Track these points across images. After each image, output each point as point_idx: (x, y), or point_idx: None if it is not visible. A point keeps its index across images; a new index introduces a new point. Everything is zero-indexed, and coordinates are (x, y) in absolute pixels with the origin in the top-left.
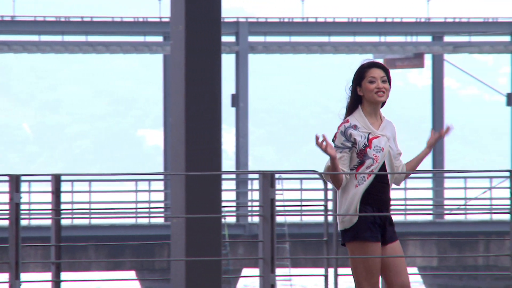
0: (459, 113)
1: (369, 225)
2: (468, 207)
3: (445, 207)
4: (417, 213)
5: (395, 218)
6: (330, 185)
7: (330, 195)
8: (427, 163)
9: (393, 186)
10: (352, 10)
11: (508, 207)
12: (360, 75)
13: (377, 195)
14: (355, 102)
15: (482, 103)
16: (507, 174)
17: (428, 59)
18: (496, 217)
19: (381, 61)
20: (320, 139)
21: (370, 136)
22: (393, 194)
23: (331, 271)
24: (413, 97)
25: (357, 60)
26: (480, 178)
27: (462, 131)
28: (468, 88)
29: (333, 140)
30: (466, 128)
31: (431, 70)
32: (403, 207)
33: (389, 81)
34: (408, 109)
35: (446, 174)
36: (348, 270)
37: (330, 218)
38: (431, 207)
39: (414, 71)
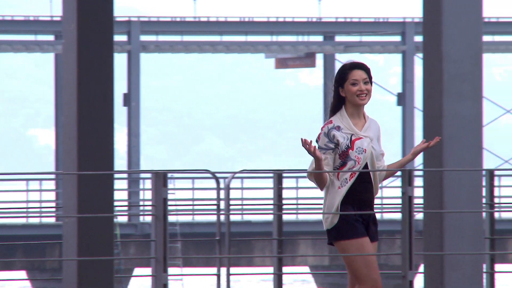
0: None
1: (352, 223)
2: None
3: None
4: (308, 213)
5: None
6: (222, 184)
7: (222, 194)
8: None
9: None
10: (243, 10)
11: (399, 206)
12: (342, 76)
13: (358, 195)
14: (338, 102)
15: (373, 103)
16: (398, 173)
17: (319, 58)
18: (386, 216)
19: (272, 60)
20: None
21: (353, 138)
22: (285, 193)
23: (223, 270)
24: (304, 96)
25: (249, 59)
26: None
27: None
28: None
29: (317, 141)
30: None
31: (322, 69)
32: (294, 206)
33: (371, 80)
34: (299, 109)
35: None
36: (240, 270)
37: (222, 218)
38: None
39: (306, 71)
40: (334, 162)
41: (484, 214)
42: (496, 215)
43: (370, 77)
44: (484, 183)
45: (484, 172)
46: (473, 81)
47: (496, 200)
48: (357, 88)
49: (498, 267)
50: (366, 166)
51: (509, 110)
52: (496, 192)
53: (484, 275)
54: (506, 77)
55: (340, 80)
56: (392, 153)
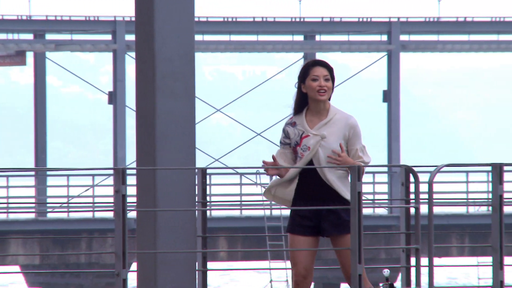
0: (62, 111)
1: (294, 218)
2: (71, 205)
3: (48, 205)
4: (19, 211)
5: None
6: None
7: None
8: (31, 162)
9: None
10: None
11: (112, 204)
12: (305, 72)
13: (307, 190)
14: (301, 98)
15: (85, 101)
16: (110, 172)
17: (30, 56)
18: (98, 215)
19: None
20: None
21: (303, 135)
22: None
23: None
24: (16, 94)
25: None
26: (83, 176)
27: (65, 129)
28: (70, 86)
29: None
30: (69, 126)
31: (33, 68)
32: (5, 205)
33: (333, 79)
34: (11, 108)
35: (48, 172)
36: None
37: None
38: (33, 205)
39: (16, 69)
40: (293, 157)
41: (196, 212)
42: (208, 213)
43: (332, 75)
44: (196, 182)
45: (196, 171)
46: (185, 80)
47: (208, 198)
48: (317, 83)
49: (210, 265)
50: (311, 163)
51: (219, 109)
52: (208, 190)
53: (197, 273)
54: (216, 76)
55: (302, 76)
56: (102, 152)
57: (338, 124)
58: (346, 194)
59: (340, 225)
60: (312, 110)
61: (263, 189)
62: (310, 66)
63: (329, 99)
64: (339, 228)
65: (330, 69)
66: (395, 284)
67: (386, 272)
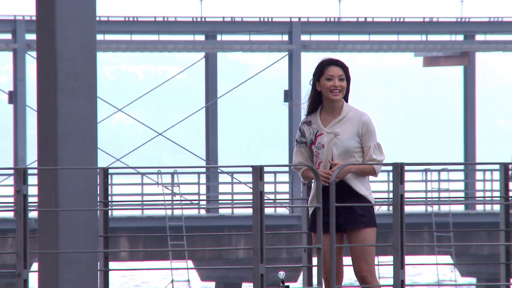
0: None
1: (315, 217)
2: None
3: None
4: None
5: None
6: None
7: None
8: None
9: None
10: None
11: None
12: (320, 71)
13: (324, 188)
14: (315, 96)
15: None
16: (11, 171)
17: None
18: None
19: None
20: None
21: (318, 133)
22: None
23: None
24: None
25: None
26: None
27: None
28: None
29: None
30: None
31: None
32: None
33: (348, 79)
34: None
35: None
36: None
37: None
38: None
39: None
40: (310, 155)
41: (98, 212)
42: (109, 213)
43: (347, 75)
44: (98, 182)
45: (98, 171)
46: (87, 80)
47: (109, 198)
48: (331, 83)
49: (111, 265)
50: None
51: (120, 109)
52: (110, 190)
53: (99, 273)
54: (117, 76)
55: (317, 74)
56: (3, 151)
57: (351, 122)
58: (362, 190)
59: (355, 220)
60: (327, 109)
61: (165, 189)
62: (325, 65)
63: (346, 99)
64: (355, 223)
65: (345, 69)
66: (296, 284)
67: (282, 274)
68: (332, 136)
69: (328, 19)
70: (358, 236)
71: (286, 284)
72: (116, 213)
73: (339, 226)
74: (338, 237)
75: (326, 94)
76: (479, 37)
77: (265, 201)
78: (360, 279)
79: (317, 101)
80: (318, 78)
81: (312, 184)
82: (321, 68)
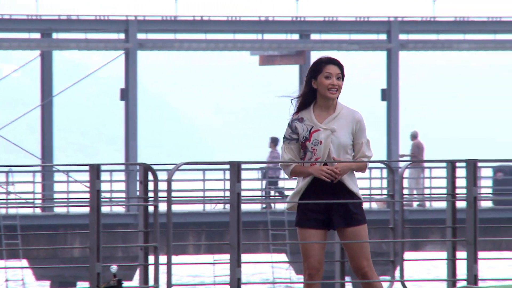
0: None
1: (304, 212)
2: None
3: None
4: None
5: None
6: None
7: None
8: None
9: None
10: None
11: None
12: (317, 69)
13: (320, 184)
14: (309, 93)
15: None
16: None
17: None
18: None
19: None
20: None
21: (312, 130)
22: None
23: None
24: None
25: None
26: None
27: None
28: None
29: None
30: None
31: None
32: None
33: (343, 77)
34: None
35: None
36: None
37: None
38: None
39: None
40: (300, 152)
41: None
42: None
43: (343, 74)
44: None
45: None
46: None
47: None
48: (329, 82)
49: None
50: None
51: None
52: None
53: None
54: None
55: (314, 72)
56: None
57: (346, 119)
58: (354, 187)
59: (348, 217)
60: (321, 106)
61: (13, 188)
62: (323, 63)
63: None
64: (348, 220)
65: (342, 68)
66: (132, 282)
67: (114, 268)
68: (329, 133)
69: (164, 18)
70: (353, 233)
71: (117, 278)
72: None
73: (329, 223)
74: (323, 234)
75: (324, 92)
76: (314, 36)
77: (102, 199)
78: (361, 275)
79: (309, 97)
80: (315, 75)
81: (297, 180)
82: (319, 66)
